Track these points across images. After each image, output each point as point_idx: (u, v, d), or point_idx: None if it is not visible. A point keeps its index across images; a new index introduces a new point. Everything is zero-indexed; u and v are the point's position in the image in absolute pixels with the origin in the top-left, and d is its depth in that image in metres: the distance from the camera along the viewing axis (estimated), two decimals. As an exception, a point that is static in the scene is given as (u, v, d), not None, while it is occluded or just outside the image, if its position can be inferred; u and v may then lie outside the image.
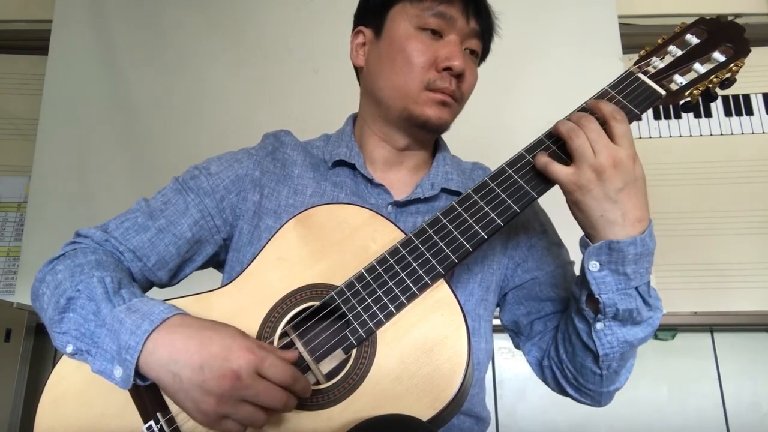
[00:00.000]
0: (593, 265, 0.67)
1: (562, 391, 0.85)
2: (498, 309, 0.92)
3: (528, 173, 0.72)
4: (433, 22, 0.81)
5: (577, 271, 0.79)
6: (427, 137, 0.90)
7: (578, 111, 0.73)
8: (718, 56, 0.74)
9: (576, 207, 0.68)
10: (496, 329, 0.91)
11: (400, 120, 0.84)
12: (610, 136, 0.67)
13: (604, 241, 0.66)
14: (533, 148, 0.73)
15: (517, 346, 0.92)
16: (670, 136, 2.01)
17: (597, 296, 0.68)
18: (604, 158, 0.65)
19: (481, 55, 0.89)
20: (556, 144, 0.72)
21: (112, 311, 0.65)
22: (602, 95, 0.74)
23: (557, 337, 0.82)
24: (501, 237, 0.88)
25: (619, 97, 0.73)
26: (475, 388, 0.84)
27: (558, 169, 0.68)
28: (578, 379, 0.80)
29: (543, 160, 0.69)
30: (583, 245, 0.69)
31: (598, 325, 0.71)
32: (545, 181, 0.71)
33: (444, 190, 0.87)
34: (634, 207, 0.66)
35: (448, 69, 0.80)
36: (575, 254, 0.85)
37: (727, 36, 0.75)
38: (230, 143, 0.94)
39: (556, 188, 0.72)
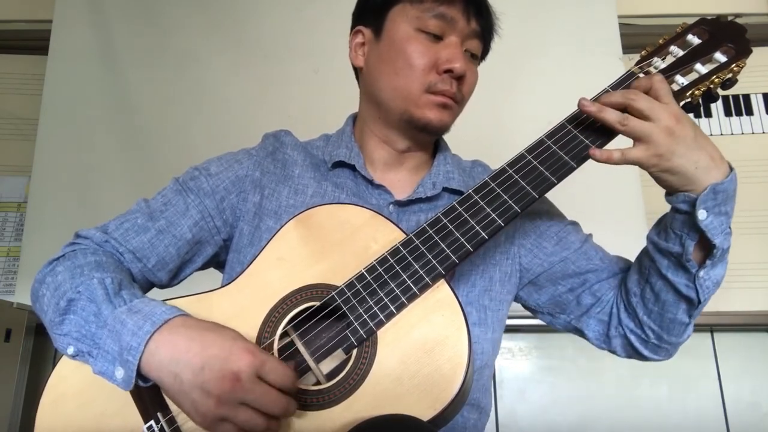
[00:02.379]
0: (702, 214, 0.68)
1: (633, 354, 0.86)
2: (524, 297, 0.92)
3: (528, 174, 0.72)
4: (433, 25, 0.81)
5: (602, 240, 0.84)
6: (427, 139, 0.90)
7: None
8: (720, 56, 0.74)
9: (668, 174, 0.69)
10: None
11: (401, 122, 0.84)
12: (657, 98, 0.69)
13: (709, 187, 0.67)
14: (534, 148, 0.73)
15: (565, 326, 0.91)
16: (670, 136, 2.00)
17: (713, 241, 0.69)
18: (667, 119, 0.67)
19: (482, 53, 0.89)
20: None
21: (113, 312, 0.65)
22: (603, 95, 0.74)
23: (630, 304, 0.82)
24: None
25: None
26: (477, 373, 0.83)
27: (634, 153, 0.68)
28: (662, 335, 0.80)
29: (616, 154, 0.69)
30: (685, 201, 0.69)
31: (701, 273, 0.72)
32: (545, 182, 0.71)
33: (446, 189, 0.87)
34: (713, 147, 0.69)
35: (448, 71, 0.80)
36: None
37: (728, 36, 0.75)
38: (230, 143, 0.94)
39: (556, 188, 0.72)
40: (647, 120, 0.67)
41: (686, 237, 0.71)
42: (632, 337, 0.83)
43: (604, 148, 0.71)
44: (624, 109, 0.70)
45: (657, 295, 0.78)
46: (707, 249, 0.71)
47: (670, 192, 0.72)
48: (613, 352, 0.88)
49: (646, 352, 0.84)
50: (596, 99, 0.73)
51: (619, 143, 0.70)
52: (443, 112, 0.82)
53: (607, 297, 0.86)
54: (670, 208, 0.73)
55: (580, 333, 0.90)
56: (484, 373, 0.86)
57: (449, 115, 0.84)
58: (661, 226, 0.76)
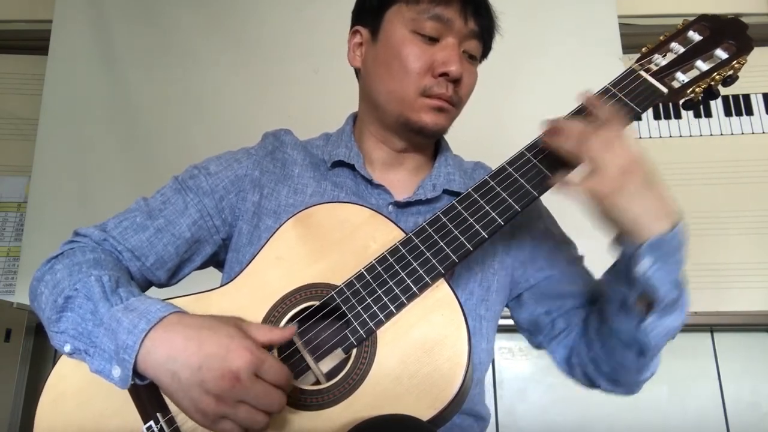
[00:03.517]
0: (644, 266, 0.65)
1: (592, 385, 0.85)
2: (510, 309, 0.92)
3: (528, 172, 0.71)
4: (429, 27, 0.79)
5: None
6: (424, 141, 0.89)
7: (575, 113, 0.72)
8: (721, 53, 0.74)
9: (614, 211, 0.65)
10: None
11: (397, 125, 0.84)
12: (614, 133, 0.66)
13: (655, 237, 0.64)
14: (534, 146, 0.73)
15: (538, 346, 0.91)
16: (670, 136, 2.00)
17: (655, 294, 0.66)
18: (622, 157, 0.64)
19: (482, 53, 0.87)
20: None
21: (110, 310, 0.65)
22: (604, 93, 0.74)
23: (589, 336, 0.81)
24: (503, 236, 0.87)
25: (620, 95, 0.73)
26: (477, 388, 0.83)
27: (585, 183, 0.66)
28: (615, 373, 0.79)
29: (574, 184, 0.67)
30: (628, 248, 0.67)
31: (647, 321, 0.70)
32: (546, 181, 0.71)
33: (446, 192, 0.87)
34: (661, 198, 0.66)
35: (444, 74, 0.79)
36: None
37: (729, 33, 0.75)
38: (230, 143, 0.94)
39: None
40: (606, 153, 0.65)
41: (633, 285, 0.69)
42: (590, 368, 0.82)
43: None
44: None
45: (608, 334, 0.76)
46: (653, 298, 0.68)
47: (616, 238, 0.69)
48: (577, 381, 0.87)
49: (604, 385, 0.82)
50: (567, 116, 0.72)
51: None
52: (439, 116, 0.81)
53: (576, 324, 0.85)
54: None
55: (551, 355, 0.89)
56: (481, 384, 0.85)
57: (445, 119, 0.83)
58: (614, 268, 0.74)
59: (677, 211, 0.66)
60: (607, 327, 0.75)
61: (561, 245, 0.89)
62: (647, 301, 0.69)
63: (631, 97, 0.73)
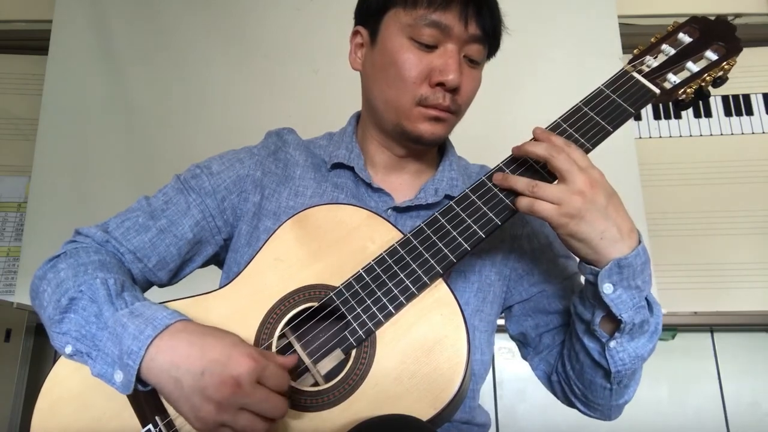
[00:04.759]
0: (607, 288, 0.66)
1: (571, 405, 0.85)
2: (504, 320, 0.92)
3: (524, 173, 0.71)
4: (427, 34, 0.75)
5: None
6: (423, 149, 0.88)
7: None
8: (711, 55, 0.75)
9: (573, 238, 0.66)
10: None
11: (395, 133, 0.82)
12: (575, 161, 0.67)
13: (613, 261, 0.65)
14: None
15: (524, 357, 0.91)
16: (670, 136, 2.01)
17: (619, 317, 0.67)
18: (581, 183, 0.64)
19: (489, 53, 0.84)
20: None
21: (115, 314, 0.64)
22: (597, 94, 0.74)
23: (563, 354, 0.81)
24: (503, 246, 0.87)
25: (614, 96, 0.74)
26: (474, 401, 0.83)
27: (544, 207, 0.66)
28: (587, 395, 0.79)
29: (525, 201, 0.67)
30: (591, 273, 0.68)
31: (612, 344, 0.70)
32: (543, 180, 0.71)
33: (447, 197, 0.85)
34: (623, 219, 0.66)
35: (441, 84, 0.76)
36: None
37: (718, 35, 0.76)
38: (230, 144, 0.94)
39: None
40: (563, 179, 0.66)
41: (597, 307, 0.70)
42: (565, 387, 0.83)
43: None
44: (545, 161, 0.68)
45: (577, 354, 0.77)
46: (617, 321, 0.68)
47: (581, 261, 0.70)
48: (556, 396, 0.88)
49: (579, 406, 0.83)
50: (532, 139, 0.72)
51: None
52: (436, 126, 0.79)
53: (560, 341, 0.85)
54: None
55: (534, 371, 0.90)
56: (476, 395, 0.85)
57: (443, 128, 0.81)
58: (582, 289, 0.74)
59: (637, 236, 0.67)
60: (578, 346, 0.76)
61: (559, 259, 0.88)
62: (613, 323, 0.70)
63: (625, 97, 0.73)
